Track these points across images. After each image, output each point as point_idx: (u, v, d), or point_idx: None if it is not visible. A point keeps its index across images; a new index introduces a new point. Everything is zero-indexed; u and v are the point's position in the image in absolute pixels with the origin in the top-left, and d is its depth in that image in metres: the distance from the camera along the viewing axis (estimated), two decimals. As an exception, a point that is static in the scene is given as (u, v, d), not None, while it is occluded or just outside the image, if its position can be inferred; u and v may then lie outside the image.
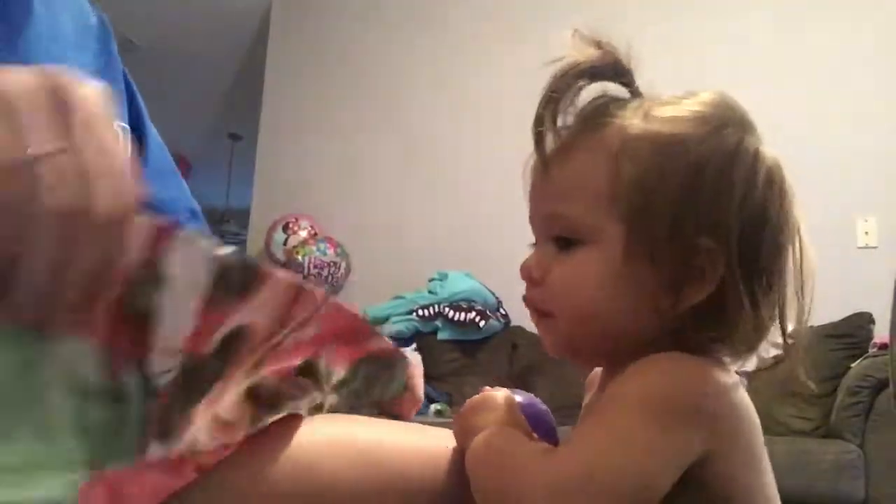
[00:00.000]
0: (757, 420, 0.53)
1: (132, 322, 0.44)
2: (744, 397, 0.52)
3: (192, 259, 0.44)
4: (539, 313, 0.58)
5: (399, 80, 3.84)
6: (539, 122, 0.56)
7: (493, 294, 3.19)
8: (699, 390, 0.50)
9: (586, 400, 0.64)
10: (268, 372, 0.52)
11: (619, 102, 0.56)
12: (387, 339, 0.61)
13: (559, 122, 0.56)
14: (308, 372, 0.55)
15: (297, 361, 0.54)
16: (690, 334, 0.54)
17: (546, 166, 0.56)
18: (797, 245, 0.55)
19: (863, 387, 2.21)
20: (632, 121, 0.54)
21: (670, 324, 0.54)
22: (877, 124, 2.94)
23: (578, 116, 0.56)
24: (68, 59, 0.69)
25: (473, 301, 3.15)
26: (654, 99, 0.56)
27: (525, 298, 0.59)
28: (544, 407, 0.66)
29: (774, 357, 0.56)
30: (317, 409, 0.60)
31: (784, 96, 3.03)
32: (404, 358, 0.64)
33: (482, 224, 3.40)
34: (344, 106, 3.91)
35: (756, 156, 0.54)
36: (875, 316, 2.44)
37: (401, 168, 3.73)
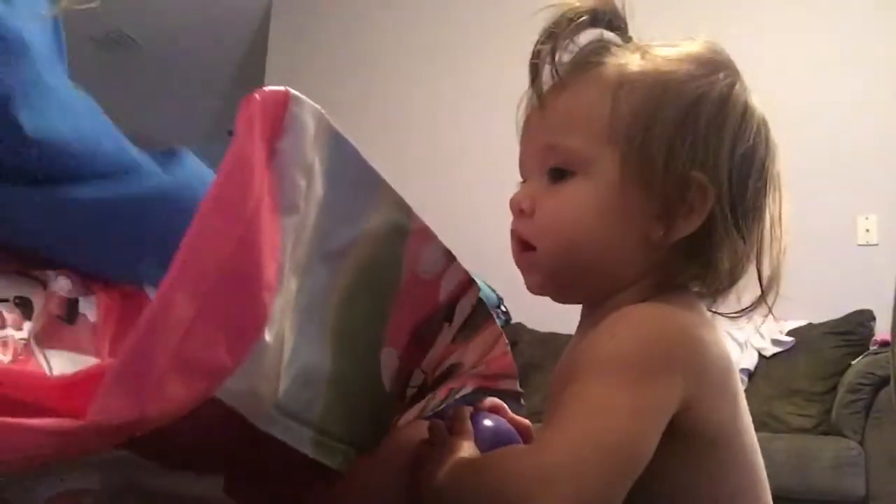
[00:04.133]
0: (730, 362, 0.53)
1: (420, 343, 0.55)
2: (715, 339, 0.53)
3: (467, 303, 0.57)
4: (522, 246, 0.58)
5: (399, 80, 3.84)
6: (536, 55, 0.57)
7: (494, 291, 3.19)
8: (669, 338, 0.50)
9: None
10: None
11: (617, 44, 0.58)
12: (517, 383, 0.69)
13: (556, 59, 0.57)
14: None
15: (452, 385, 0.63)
16: (674, 271, 0.55)
17: (543, 100, 0.58)
18: (777, 196, 0.57)
19: (863, 384, 2.21)
20: (631, 58, 0.56)
21: (657, 258, 0.55)
22: (878, 122, 2.93)
23: (578, 54, 0.57)
24: None
25: (474, 299, 3.15)
26: (650, 42, 0.58)
27: (511, 231, 0.59)
28: (511, 429, 0.64)
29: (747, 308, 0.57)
30: None
31: (784, 94, 3.03)
32: (520, 405, 0.69)
33: (482, 222, 3.39)
34: (344, 105, 3.91)
35: (747, 102, 0.56)
36: (876, 313, 2.44)
37: (401, 167, 3.73)
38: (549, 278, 0.58)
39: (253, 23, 4.54)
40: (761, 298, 0.56)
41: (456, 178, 3.60)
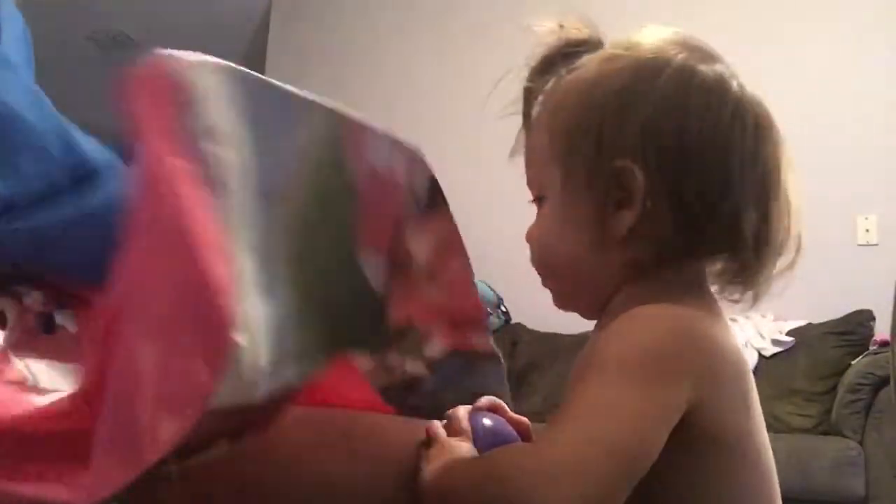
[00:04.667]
0: (743, 362, 0.53)
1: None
2: (728, 339, 0.53)
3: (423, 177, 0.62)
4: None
5: (399, 81, 3.84)
6: (524, 104, 0.62)
7: (494, 291, 3.19)
8: (679, 339, 0.50)
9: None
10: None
11: (574, 66, 0.60)
12: (491, 339, 0.65)
13: (531, 102, 0.62)
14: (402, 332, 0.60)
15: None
16: (648, 263, 0.55)
17: (525, 141, 0.63)
18: (760, 166, 0.55)
19: (863, 384, 2.21)
20: (567, 78, 0.59)
21: (625, 255, 0.55)
22: (877, 122, 2.93)
23: (544, 90, 0.61)
24: None
25: (474, 299, 3.15)
26: (606, 48, 0.60)
27: None
28: (510, 429, 0.62)
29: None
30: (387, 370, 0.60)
31: (784, 94, 3.02)
32: (499, 363, 0.66)
33: (482, 222, 3.39)
34: (345, 103, 3.91)
35: (662, 75, 0.55)
36: (875, 313, 2.44)
37: (401, 166, 3.73)
38: (557, 297, 0.62)
39: (253, 23, 4.54)
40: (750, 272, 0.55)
41: (457, 178, 3.59)
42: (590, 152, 0.55)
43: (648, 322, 0.51)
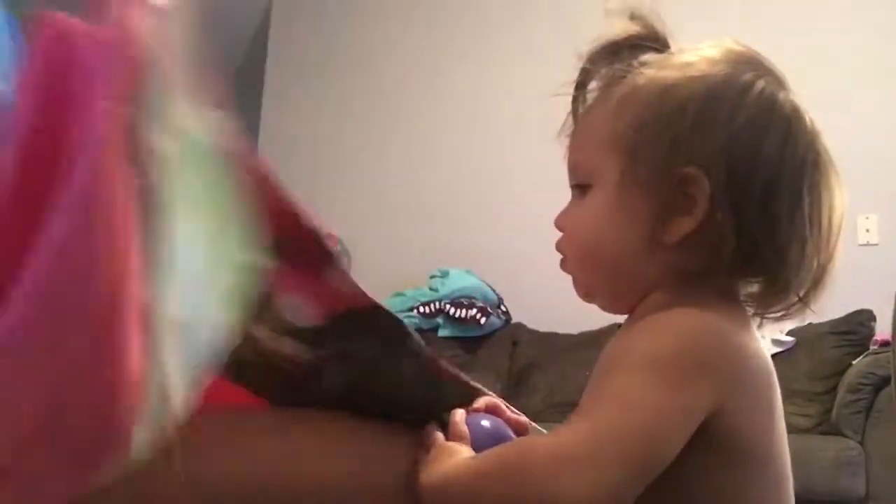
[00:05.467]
0: (769, 373, 0.53)
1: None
2: (756, 349, 0.53)
3: None
4: (562, 259, 0.62)
5: (400, 79, 3.84)
6: (575, 88, 0.62)
7: (494, 291, 3.19)
8: (706, 344, 0.50)
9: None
10: None
11: (643, 62, 0.59)
12: (356, 286, 0.54)
13: (590, 90, 0.61)
14: None
15: None
16: (692, 271, 0.55)
17: (575, 125, 0.62)
18: (816, 183, 0.56)
19: (864, 384, 2.21)
20: (644, 72, 0.58)
21: (672, 259, 0.55)
22: (877, 122, 2.93)
23: (605, 77, 0.60)
24: None
25: (474, 298, 3.15)
26: (678, 52, 0.59)
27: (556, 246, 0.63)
28: (508, 431, 0.59)
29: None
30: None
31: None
32: (391, 317, 0.56)
33: (483, 221, 3.39)
34: (345, 103, 3.91)
35: (749, 94, 0.56)
36: (876, 313, 2.43)
37: (401, 165, 3.73)
38: (582, 286, 0.61)
39: (253, 23, 4.54)
40: (796, 294, 0.56)
41: (458, 178, 3.60)
42: (661, 152, 0.55)
43: (679, 325, 0.51)
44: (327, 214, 3.99)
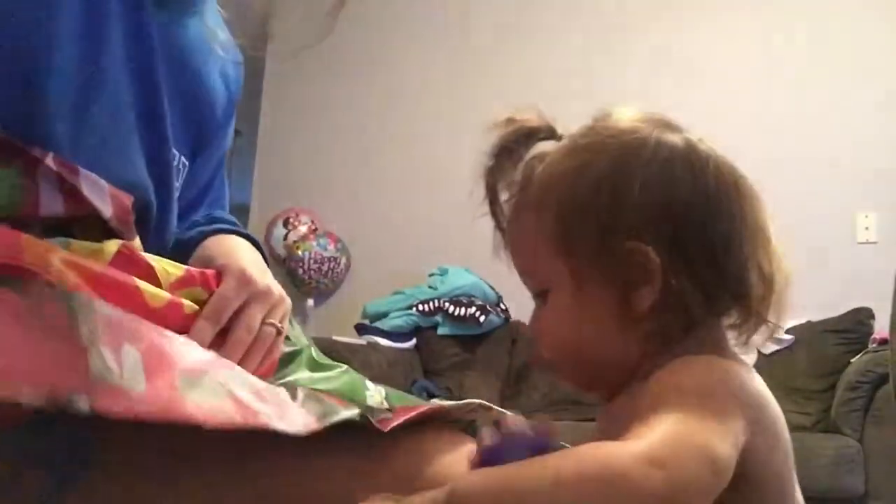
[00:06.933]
0: (778, 412, 0.54)
1: None
2: (762, 388, 0.54)
3: None
4: (547, 361, 0.61)
5: (400, 77, 3.84)
6: (488, 197, 0.64)
7: (493, 289, 3.19)
8: (731, 383, 0.51)
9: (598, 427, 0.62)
10: None
11: (541, 155, 0.60)
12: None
13: (503, 195, 0.63)
14: None
15: None
16: (676, 328, 0.55)
17: (504, 234, 0.63)
18: (749, 220, 0.56)
19: (862, 382, 2.22)
20: (547, 167, 0.59)
21: (650, 326, 0.55)
22: (876, 120, 2.93)
23: (515, 182, 0.62)
24: (205, 70, 0.76)
25: (473, 296, 3.15)
26: (569, 135, 0.60)
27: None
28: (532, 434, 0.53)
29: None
30: None
31: (783, 94, 3.03)
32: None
33: (482, 220, 3.39)
34: (344, 101, 3.91)
35: (646, 152, 0.56)
36: (875, 311, 2.44)
37: (401, 164, 3.73)
38: (583, 385, 0.61)
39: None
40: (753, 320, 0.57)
41: (456, 174, 3.59)
42: (594, 239, 0.55)
43: (702, 367, 0.52)
44: (328, 211, 3.99)
